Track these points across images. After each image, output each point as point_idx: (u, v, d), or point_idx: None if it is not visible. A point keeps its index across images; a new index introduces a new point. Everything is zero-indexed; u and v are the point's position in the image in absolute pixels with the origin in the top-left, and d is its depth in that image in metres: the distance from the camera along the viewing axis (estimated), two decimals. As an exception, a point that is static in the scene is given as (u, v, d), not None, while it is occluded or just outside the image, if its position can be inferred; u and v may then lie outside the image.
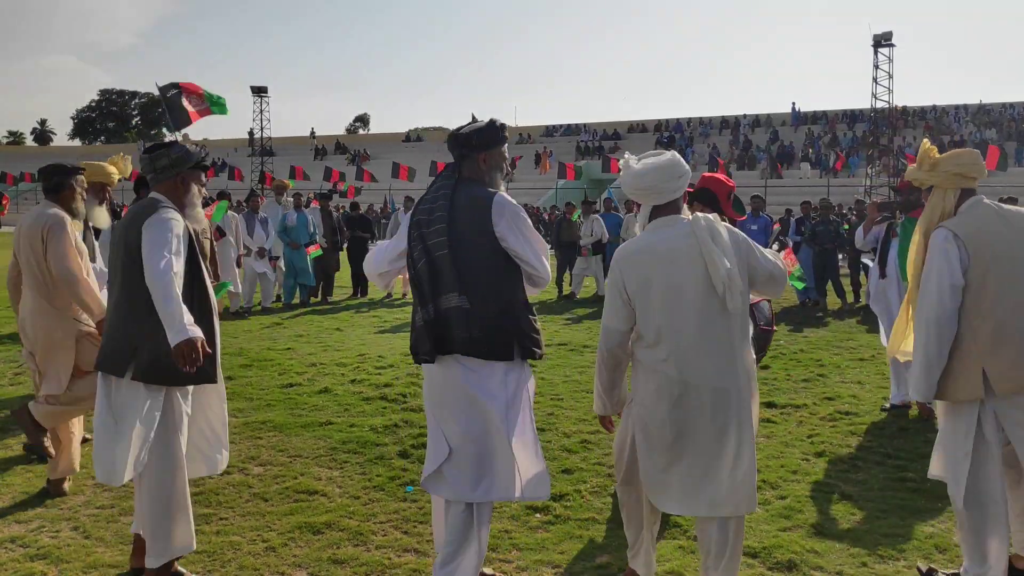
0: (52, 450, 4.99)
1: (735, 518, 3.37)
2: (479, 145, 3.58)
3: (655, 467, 3.40)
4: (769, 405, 7.11)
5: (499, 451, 3.45)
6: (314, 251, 13.85)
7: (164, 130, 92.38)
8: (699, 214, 3.37)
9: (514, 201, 3.54)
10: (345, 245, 15.69)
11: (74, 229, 5.04)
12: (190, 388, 3.84)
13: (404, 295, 15.40)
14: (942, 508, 4.72)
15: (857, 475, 5.34)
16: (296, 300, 14.10)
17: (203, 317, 3.73)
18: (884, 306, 7.25)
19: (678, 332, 3.31)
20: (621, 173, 3.55)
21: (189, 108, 10.23)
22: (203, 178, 4.03)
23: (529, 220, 3.56)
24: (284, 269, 13.91)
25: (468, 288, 3.43)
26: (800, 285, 10.42)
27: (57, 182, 5.03)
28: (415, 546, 4.25)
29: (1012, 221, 3.68)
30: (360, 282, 15.58)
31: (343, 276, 15.85)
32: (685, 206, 3.51)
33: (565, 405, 7.11)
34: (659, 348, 3.36)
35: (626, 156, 3.59)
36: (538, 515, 4.65)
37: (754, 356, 3.45)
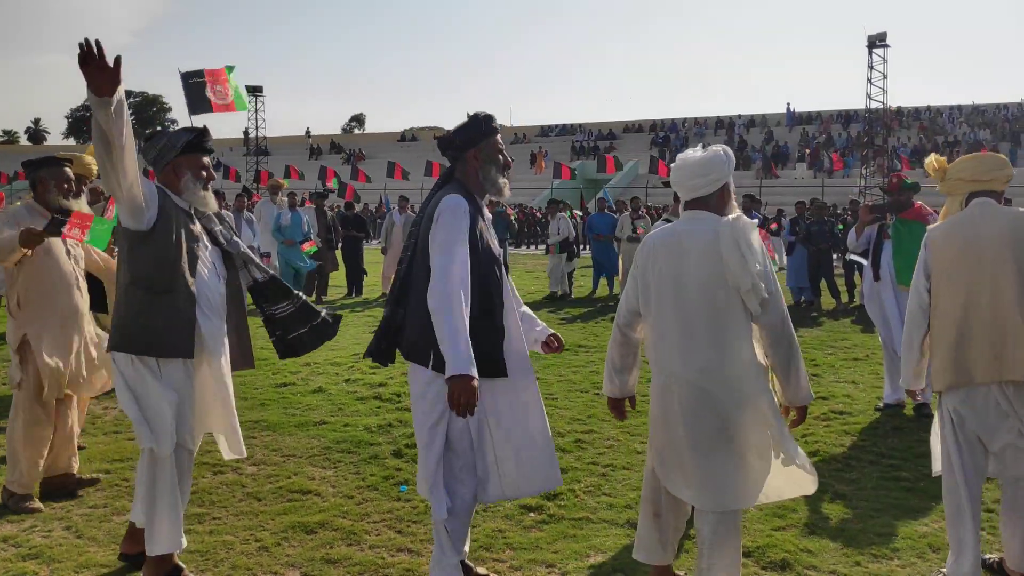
0: (39, 504, 4.70)
1: (723, 518, 3.34)
2: (464, 143, 3.49)
3: (657, 452, 3.51)
4: (763, 405, 7.11)
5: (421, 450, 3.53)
6: (309, 247, 13.85)
7: (159, 129, 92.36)
8: (735, 215, 3.35)
9: (460, 202, 3.36)
10: (340, 244, 15.68)
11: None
12: (178, 362, 3.69)
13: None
14: (935, 507, 4.73)
15: (851, 474, 5.34)
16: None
17: (183, 300, 3.66)
18: (878, 308, 7.24)
19: (669, 325, 3.39)
20: None
21: (212, 98, 10.10)
22: (202, 160, 3.84)
23: (458, 225, 3.32)
24: (279, 268, 13.89)
25: (409, 297, 3.50)
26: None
27: (30, 179, 4.83)
28: (408, 546, 4.24)
29: (984, 224, 3.71)
30: (355, 281, 15.57)
31: (338, 276, 15.83)
32: (732, 205, 3.45)
33: (559, 404, 7.11)
34: (654, 338, 3.45)
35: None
36: (532, 514, 4.65)
37: (758, 359, 3.36)
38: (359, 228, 15.95)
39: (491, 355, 3.42)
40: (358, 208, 23.37)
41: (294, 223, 13.71)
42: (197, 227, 3.84)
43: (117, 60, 3.17)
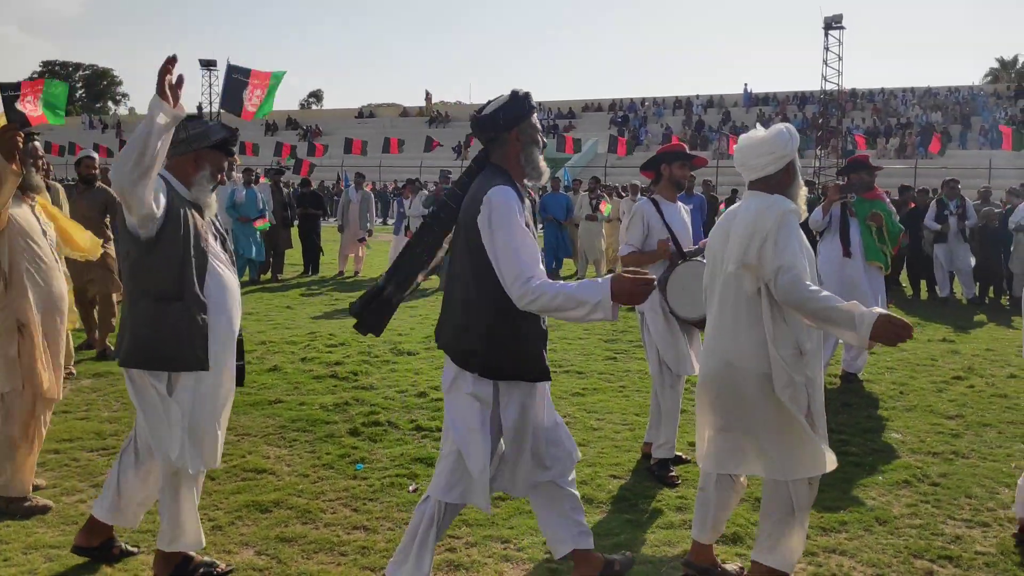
0: (46, 501, 4.40)
1: (776, 487, 3.44)
2: (508, 122, 3.21)
3: (701, 427, 3.60)
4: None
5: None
6: (262, 224, 13.68)
7: (110, 103, 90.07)
8: (776, 197, 3.35)
9: (508, 195, 3.12)
10: (296, 222, 15.50)
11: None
12: (181, 375, 3.48)
13: (356, 273, 15.29)
14: (883, 482, 4.84)
15: (802, 450, 5.43)
16: (245, 278, 13.91)
17: (215, 306, 3.50)
18: (836, 284, 7.41)
19: (714, 304, 3.50)
20: None
21: (245, 104, 9.42)
22: (224, 163, 3.65)
23: (514, 220, 3.08)
24: (233, 246, 13.71)
25: (453, 289, 3.31)
26: None
27: None
28: (364, 523, 4.23)
29: None
30: (311, 260, 15.42)
31: (294, 254, 15.67)
32: (799, 183, 3.48)
33: (517, 382, 7.12)
34: (709, 317, 3.58)
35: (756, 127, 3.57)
36: (488, 491, 4.66)
37: (780, 348, 3.30)
38: (316, 206, 15.75)
39: (535, 355, 3.29)
40: (314, 185, 23.06)
41: (249, 200, 13.52)
42: (205, 218, 3.61)
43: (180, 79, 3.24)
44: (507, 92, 3.27)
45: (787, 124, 3.43)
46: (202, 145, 3.54)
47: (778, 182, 3.42)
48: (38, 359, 4.35)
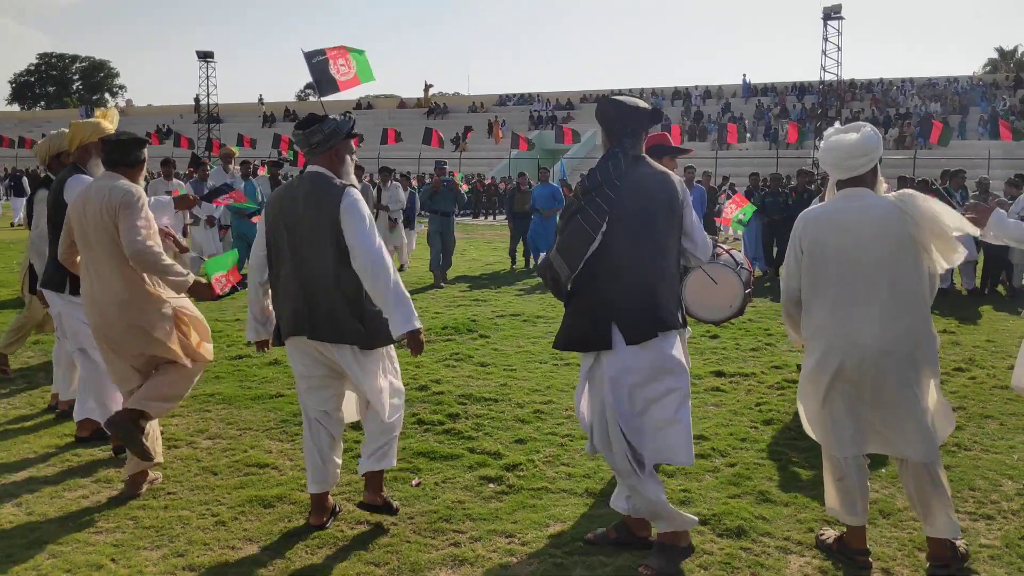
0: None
1: (922, 467, 3.63)
2: (650, 122, 3.81)
3: (833, 421, 3.76)
4: (718, 374, 7.20)
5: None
6: (258, 220, 13.62)
7: (107, 95, 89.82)
8: (905, 192, 3.62)
9: None
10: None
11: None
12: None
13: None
14: (886, 474, 4.84)
15: (804, 442, 5.41)
16: (246, 271, 13.84)
17: None
18: None
19: (845, 297, 3.62)
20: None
21: (337, 77, 9.77)
22: (353, 146, 4.16)
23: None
24: (233, 239, 13.65)
25: (638, 265, 3.66)
26: (741, 229, 11.41)
27: (133, 158, 4.68)
28: (367, 518, 4.23)
29: None
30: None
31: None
32: (880, 181, 3.73)
33: (518, 376, 7.12)
34: (824, 312, 3.68)
35: (835, 126, 3.80)
36: (491, 485, 4.66)
37: (931, 327, 3.67)
38: (315, 198, 15.67)
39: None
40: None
41: (248, 193, 13.46)
42: None
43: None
44: (638, 98, 3.91)
45: (871, 125, 3.70)
46: (338, 139, 4.03)
47: (870, 179, 3.68)
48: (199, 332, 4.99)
